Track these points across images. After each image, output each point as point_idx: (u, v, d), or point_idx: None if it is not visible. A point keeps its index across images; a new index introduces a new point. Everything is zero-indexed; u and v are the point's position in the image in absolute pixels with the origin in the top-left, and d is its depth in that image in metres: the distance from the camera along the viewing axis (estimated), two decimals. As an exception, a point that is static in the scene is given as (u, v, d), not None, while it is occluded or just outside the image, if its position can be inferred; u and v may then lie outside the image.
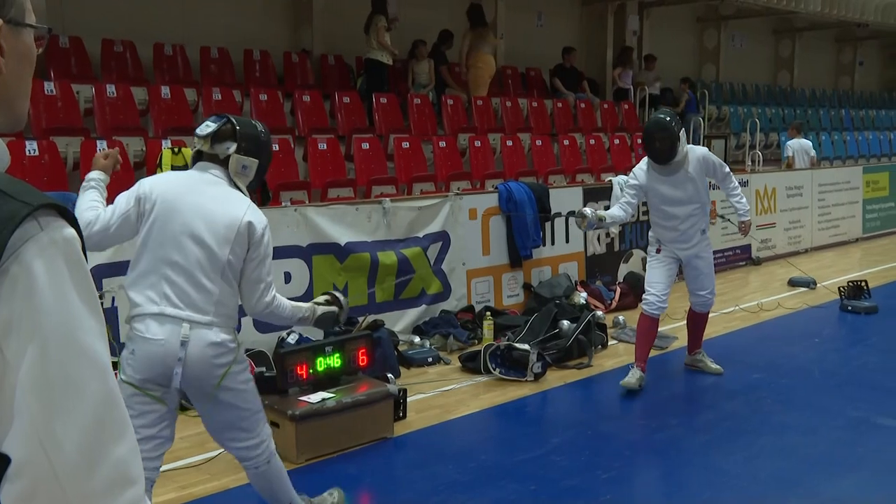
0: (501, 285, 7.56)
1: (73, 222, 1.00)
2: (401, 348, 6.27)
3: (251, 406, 3.19)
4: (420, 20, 11.11)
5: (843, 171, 12.72)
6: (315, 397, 4.43)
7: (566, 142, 10.86)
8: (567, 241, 8.20)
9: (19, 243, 0.93)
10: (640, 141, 5.91)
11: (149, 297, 2.97)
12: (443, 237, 7.01)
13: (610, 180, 8.79)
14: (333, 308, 3.42)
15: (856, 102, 19.42)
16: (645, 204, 6.11)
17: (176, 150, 6.79)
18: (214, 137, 3.12)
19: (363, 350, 4.80)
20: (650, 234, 5.86)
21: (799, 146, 12.32)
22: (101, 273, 4.89)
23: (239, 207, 3.06)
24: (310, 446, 4.35)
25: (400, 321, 6.64)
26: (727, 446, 4.66)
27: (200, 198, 3.04)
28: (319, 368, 4.57)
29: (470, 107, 10.61)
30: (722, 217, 9.09)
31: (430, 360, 6.17)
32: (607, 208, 8.51)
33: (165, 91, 7.94)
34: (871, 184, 12.84)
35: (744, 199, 5.84)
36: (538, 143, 10.44)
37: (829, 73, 20.31)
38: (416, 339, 6.48)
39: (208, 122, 3.16)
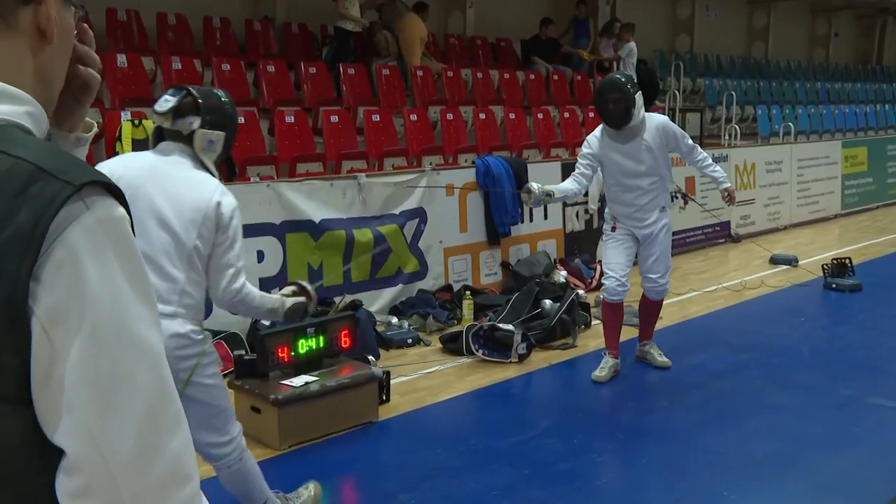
0: (479, 263, 7.58)
1: (122, 199, 0.98)
2: (378, 329, 6.26)
3: (221, 402, 3.11)
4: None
5: (822, 146, 12.93)
6: (297, 381, 4.41)
7: (540, 115, 10.88)
8: (546, 217, 8.24)
9: (64, 226, 0.90)
10: (593, 104, 5.57)
11: None
12: (419, 214, 7.00)
13: (587, 155, 8.83)
14: (302, 299, 3.30)
15: (831, 75, 19.72)
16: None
17: (136, 122, 6.65)
18: (176, 113, 3.00)
19: (345, 331, 4.78)
20: (606, 210, 5.71)
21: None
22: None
23: (206, 189, 2.96)
24: (293, 432, 4.33)
25: (376, 301, 6.62)
26: (719, 427, 4.74)
27: (165, 180, 2.95)
28: (301, 351, 4.54)
29: (440, 79, 10.57)
30: (684, 196, 9.14)
31: (409, 341, 6.17)
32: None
33: (121, 59, 7.77)
34: (850, 159, 13.09)
35: (717, 167, 5.59)
36: (511, 116, 10.44)
37: (803, 44, 20.59)
38: (394, 320, 6.48)
39: (167, 97, 3.03)
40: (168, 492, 0.95)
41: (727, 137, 12.96)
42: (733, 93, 13.87)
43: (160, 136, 3.07)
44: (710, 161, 5.53)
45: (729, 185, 5.57)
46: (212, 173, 3.03)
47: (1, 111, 0.97)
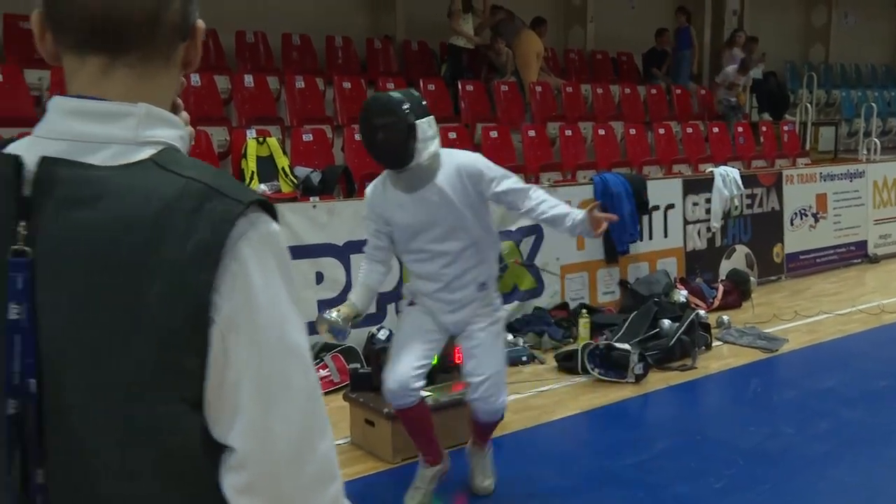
0: (596, 282, 7.55)
1: (276, 215, 1.08)
2: (492, 347, 6.31)
3: None
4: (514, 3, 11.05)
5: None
6: (411, 395, 4.50)
7: (661, 130, 10.74)
8: (665, 235, 8.11)
9: (236, 240, 1.01)
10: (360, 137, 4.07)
11: None
12: (536, 231, 7.02)
13: (710, 171, 8.67)
14: None
15: None
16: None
17: (261, 139, 6.99)
18: None
19: (458, 347, 4.85)
20: (405, 285, 4.31)
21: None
22: None
23: None
24: (406, 446, 4.41)
25: (491, 318, 6.68)
26: (849, 457, 4.56)
27: None
28: (414, 365, 4.64)
29: (559, 94, 10.60)
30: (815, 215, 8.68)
31: (524, 358, 6.21)
32: (708, 200, 8.49)
33: (248, 80, 8.15)
34: None
35: (561, 204, 3.71)
36: (632, 131, 10.35)
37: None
38: (509, 337, 6.50)
39: None
40: (319, 489, 1.05)
41: (865, 152, 12.41)
42: (874, 104, 13.27)
43: None
44: (551, 203, 3.68)
45: (583, 214, 3.64)
46: None
47: (164, 135, 1.09)
